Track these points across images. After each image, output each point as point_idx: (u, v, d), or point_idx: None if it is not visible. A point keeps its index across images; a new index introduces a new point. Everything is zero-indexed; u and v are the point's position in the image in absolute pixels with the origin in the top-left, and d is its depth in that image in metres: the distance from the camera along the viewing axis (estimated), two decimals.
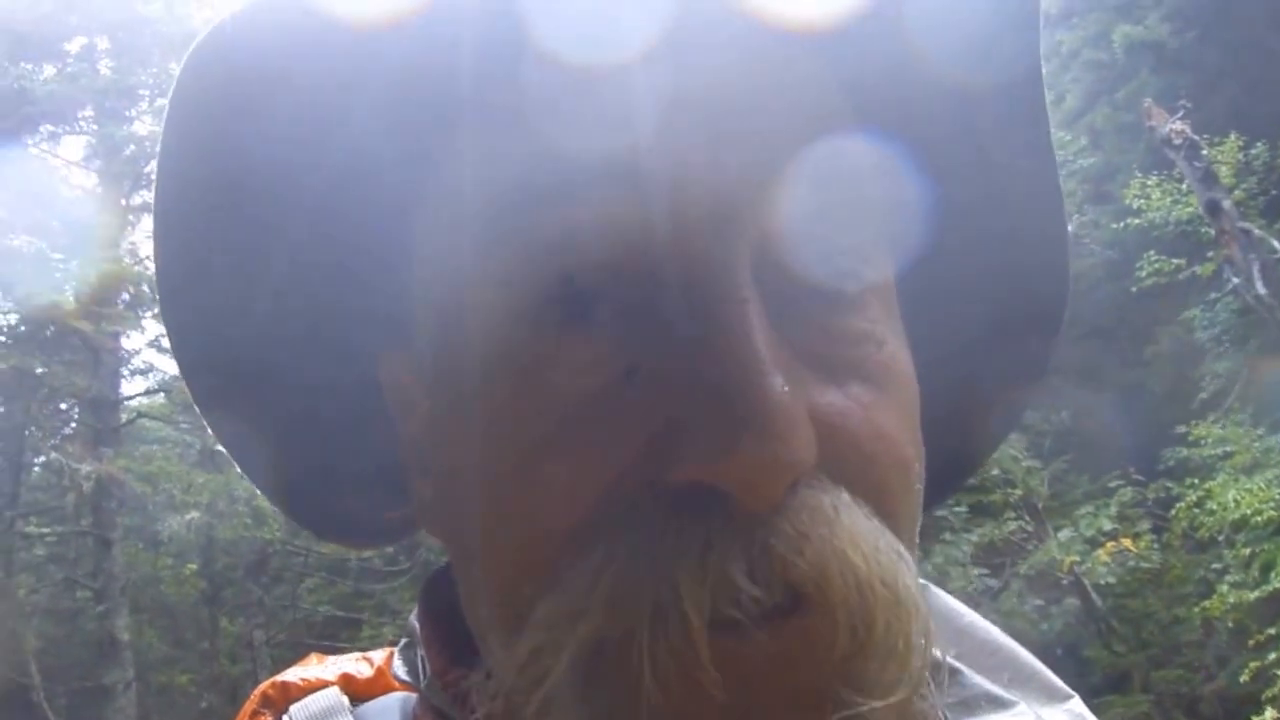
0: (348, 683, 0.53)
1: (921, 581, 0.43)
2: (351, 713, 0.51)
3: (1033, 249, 0.53)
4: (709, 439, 0.36)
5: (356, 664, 0.55)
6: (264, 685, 0.54)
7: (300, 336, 0.51)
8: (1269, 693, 7.58)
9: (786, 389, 0.37)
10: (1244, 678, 7.97)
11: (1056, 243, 0.53)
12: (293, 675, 0.54)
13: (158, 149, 0.46)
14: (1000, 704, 0.52)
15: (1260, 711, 7.55)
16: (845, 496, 0.39)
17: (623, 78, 0.41)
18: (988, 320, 0.54)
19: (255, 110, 0.45)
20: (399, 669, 0.53)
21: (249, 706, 0.53)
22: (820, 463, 0.38)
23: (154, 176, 0.47)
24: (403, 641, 0.54)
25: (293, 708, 0.51)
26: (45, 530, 13.05)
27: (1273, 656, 7.73)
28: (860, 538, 0.38)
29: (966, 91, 0.47)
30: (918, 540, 0.44)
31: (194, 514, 11.74)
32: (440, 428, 0.46)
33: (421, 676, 0.51)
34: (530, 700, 0.39)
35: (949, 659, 0.50)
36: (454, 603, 0.48)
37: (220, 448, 0.54)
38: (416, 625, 0.53)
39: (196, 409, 0.53)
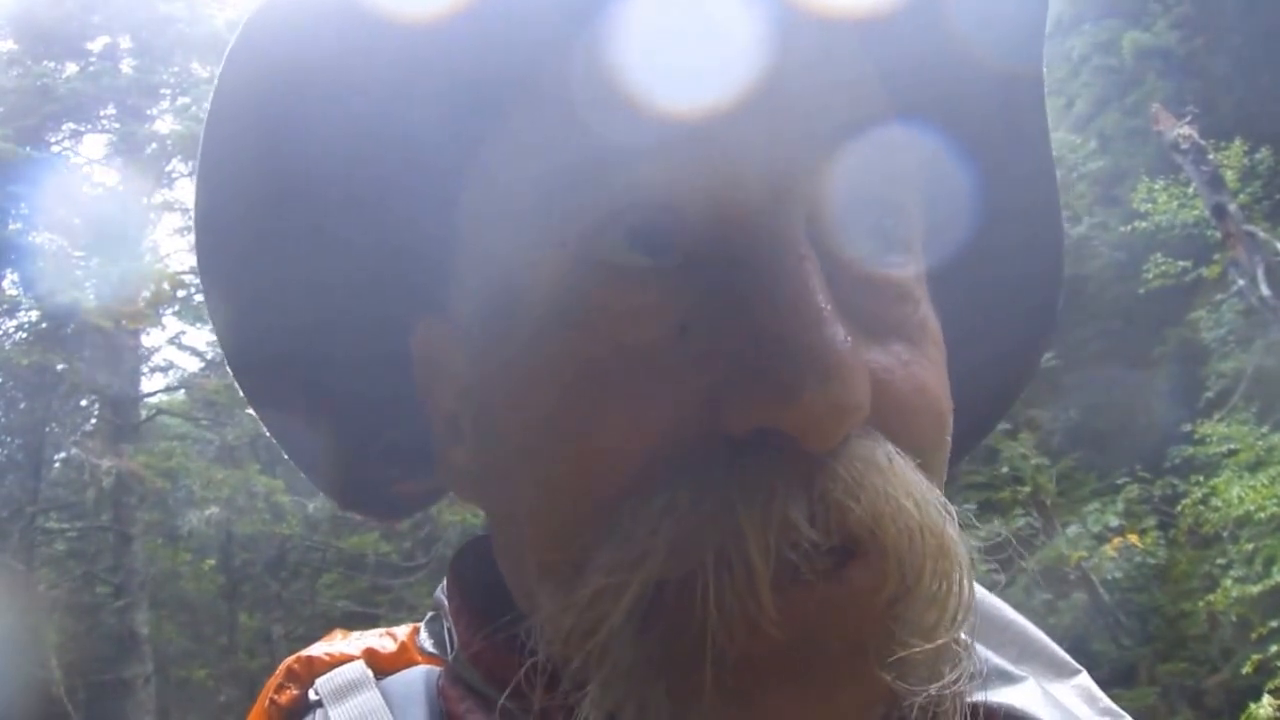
0: (372, 657, 0.54)
1: None
2: (376, 686, 0.51)
3: (1029, 234, 0.54)
4: (775, 385, 0.37)
5: (380, 639, 0.56)
6: (289, 660, 0.54)
7: (339, 313, 0.51)
8: (1271, 684, 7.54)
9: (848, 339, 0.38)
10: (1247, 670, 7.98)
11: (1052, 228, 0.55)
12: (318, 650, 0.55)
13: (200, 144, 0.46)
14: (1009, 678, 0.52)
15: (1258, 698, 7.65)
16: (894, 448, 0.40)
17: (686, 59, 0.41)
18: (990, 306, 0.54)
19: (299, 102, 0.45)
20: (425, 641, 0.54)
21: (274, 680, 0.53)
22: (869, 417, 0.39)
23: (196, 174, 0.47)
24: (429, 614, 0.55)
25: (318, 681, 0.52)
26: (66, 525, 12.86)
27: (1274, 649, 7.76)
28: (912, 486, 0.39)
29: (984, 79, 0.49)
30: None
31: (213, 509, 11.64)
32: (486, 391, 0.46)
33: (449, 648, 0.51)
34: (587, 645, 0.39)
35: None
36: (484, 575, 0.49)
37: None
38: (444, 598, 0.53)
39: (248, 404, 0.53)
